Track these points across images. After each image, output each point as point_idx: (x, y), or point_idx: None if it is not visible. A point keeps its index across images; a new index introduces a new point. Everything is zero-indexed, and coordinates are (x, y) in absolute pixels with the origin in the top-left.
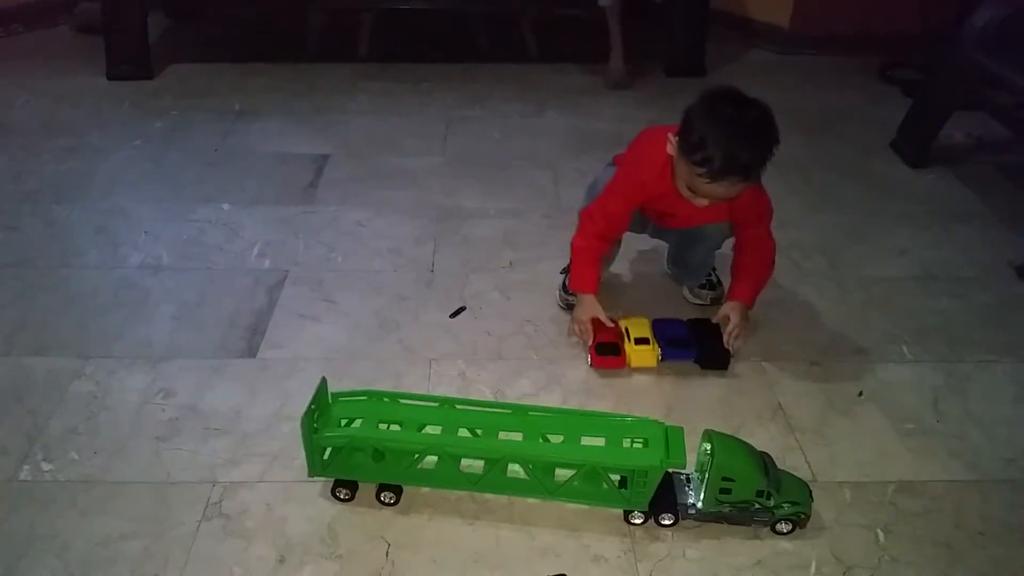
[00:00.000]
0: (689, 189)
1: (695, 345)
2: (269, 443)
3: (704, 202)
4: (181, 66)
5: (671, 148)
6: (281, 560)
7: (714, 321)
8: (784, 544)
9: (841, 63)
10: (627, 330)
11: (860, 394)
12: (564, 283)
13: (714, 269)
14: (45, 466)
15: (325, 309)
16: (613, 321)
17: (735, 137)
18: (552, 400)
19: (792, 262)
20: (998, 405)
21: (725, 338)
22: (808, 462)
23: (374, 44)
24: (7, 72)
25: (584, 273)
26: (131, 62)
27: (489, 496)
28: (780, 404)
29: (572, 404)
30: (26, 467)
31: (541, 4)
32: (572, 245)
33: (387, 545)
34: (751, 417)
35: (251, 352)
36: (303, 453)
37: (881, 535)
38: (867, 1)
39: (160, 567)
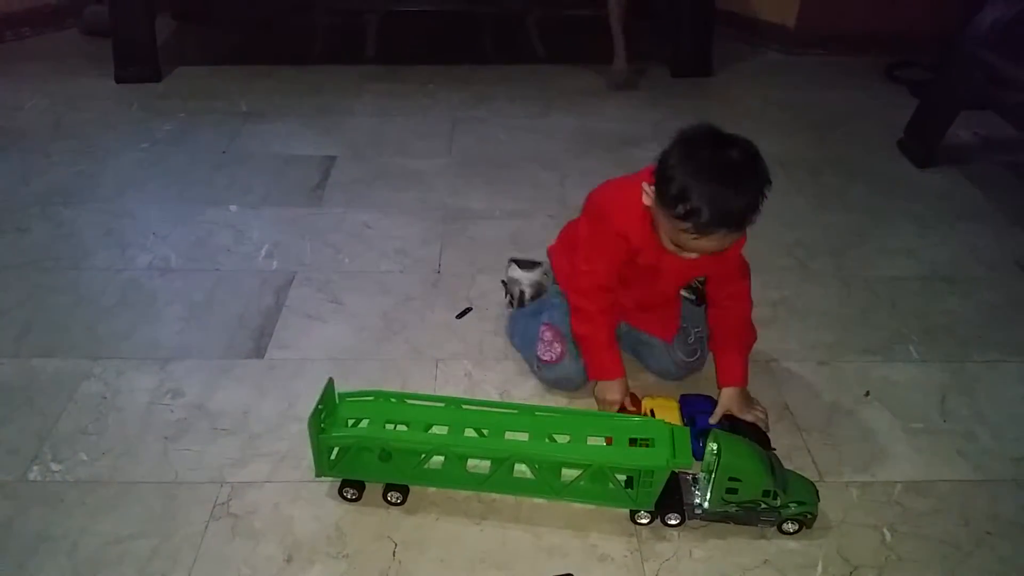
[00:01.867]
0: (675, 244)
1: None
2: (277, 443)
3: (693, 255)
4: (188, 68)
5: (647, 199)
6: (289, 559)
7: (713, 423)
8: (791, 544)
9: (848, 63)
10: (652, 413)
11: (867, 394)
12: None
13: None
14: (54, 466)
15: (332, 310)
16: (636, 401)
17: (720, 184)
18: (558, 401)
19: (799, 262)
20: (1006, 405)
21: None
22: (815, 462)
23: (380, 46)
24: (16, 75)
25: (602, 357)
26: (139, 65)
27: (496, 496)
28: (787, 404)
29: (578, 405)
30: (35, 467)
31: (546, 5)
32: (575, 335)
33: (394, 545)
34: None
35: (259, 353)
36: (311, 453)
37: (888, 535)
38: (874, 0)
39: (168, 567)
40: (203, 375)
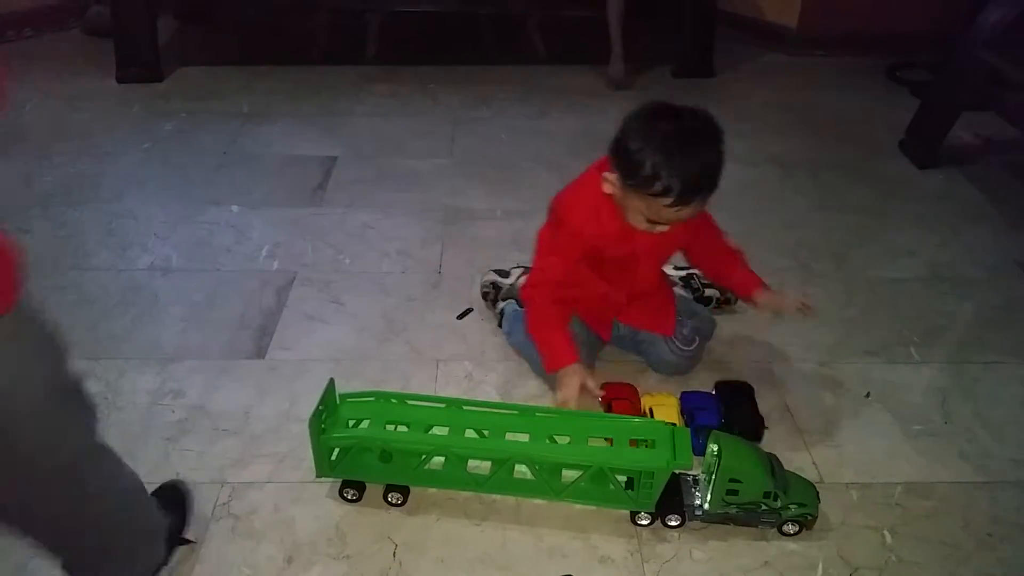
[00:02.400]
0: (649, 221)
1: (725, 416)
2: (277, 444)
3: (665, 228)
4: (190, 69)
5: (610, 187)
6: (289, 560)
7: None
8: (791, 545)
9: (849, 63)
10: (651, 411)
11: (868, 395)
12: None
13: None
14: None
15: (333, 310)
16: (633, 394)
17: (689, 153)
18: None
19: (800, 263)
20: (1006, 406)
21: (797, 310)
22: (815, 463)
23: (381, 46)
24: (18, 75)
25: (552, 343)
26: (141, 65)
27: (496, 497)
28: (787, 405)
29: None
30: None
31: (547, 6)
32: (528, 328)
33: (394, 546)
34: None
35: (260, 353)
36: (311, 454)
37: (888, 536)
38: (875, 1)
39: (169, 567)
40: (204, 375)
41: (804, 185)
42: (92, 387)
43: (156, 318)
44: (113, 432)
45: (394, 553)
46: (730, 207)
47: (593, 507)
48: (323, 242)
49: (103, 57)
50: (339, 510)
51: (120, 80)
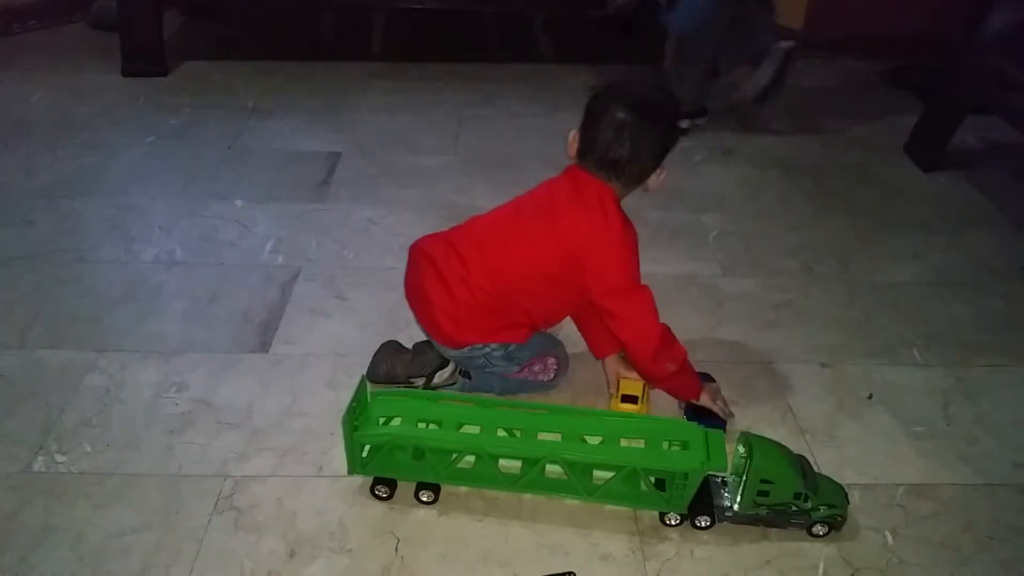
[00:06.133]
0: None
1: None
2: (280, 438)
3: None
4: (195, 63)
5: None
6: (291, 554)
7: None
8: (792, 545)
9: (854, 66)
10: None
11: (870, 397)
12: None
13: None
14: (59, 458)
15: (337, 305)
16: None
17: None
18: (562, 399)
19: (803, 265)
20: (1008, 409)
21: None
22: (817, 464)
23: (386, 43)
24: (23, 67)
25: (691, 370)
26: (146, 59)
27: (499, 493)
28: (790, 406)
29: (582, 404)
30: (40, 459)
31: (553, 5)
32: (684, 355)
33: (396, 540)
34: (761, 419)
35: (263, 347)
36: (314, 447)
37: (889, 537)
38: (881, 4)
39: (171, 560)
40: (207, 369)
41: (808, 187)
42: (96, 379)
43: (160, 311)
44: (116, 425)
45: (396, 548)
46: (734, 209)
47: (595, 504)
48: (327, 237)
49: (108, 50)
50: (341, 504)
51: (125, 74)
